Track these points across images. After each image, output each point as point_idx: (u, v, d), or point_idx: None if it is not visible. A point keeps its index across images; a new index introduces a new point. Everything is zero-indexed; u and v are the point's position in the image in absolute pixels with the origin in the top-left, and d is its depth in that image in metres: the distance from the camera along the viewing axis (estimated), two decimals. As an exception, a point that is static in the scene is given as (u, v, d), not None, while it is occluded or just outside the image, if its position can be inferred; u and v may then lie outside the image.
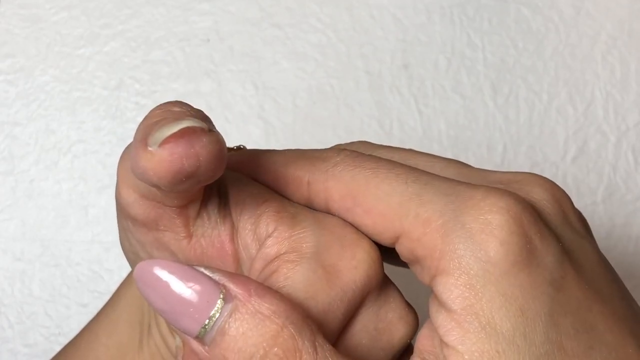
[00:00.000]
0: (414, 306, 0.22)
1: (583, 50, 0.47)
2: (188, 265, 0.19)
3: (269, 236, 0.21)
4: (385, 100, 0.46)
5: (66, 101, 0.46)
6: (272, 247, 0.21)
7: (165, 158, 0.17)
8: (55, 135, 0.45)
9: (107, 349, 0.28)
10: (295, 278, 0.20)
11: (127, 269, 0.29)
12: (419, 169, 0.21)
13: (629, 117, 0.46)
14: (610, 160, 0.46)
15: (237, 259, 0.22)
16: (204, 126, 0.18)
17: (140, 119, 0.52)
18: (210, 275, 0.19)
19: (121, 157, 0.21)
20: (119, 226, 0.23)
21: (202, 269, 0.19)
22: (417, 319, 0.22)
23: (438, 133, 0.46)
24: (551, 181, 0.21)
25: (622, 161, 0.46)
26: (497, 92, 0.46)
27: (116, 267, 0.44)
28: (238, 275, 0.19)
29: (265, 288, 0.19)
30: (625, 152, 0.46)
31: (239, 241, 0.22)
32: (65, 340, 0.43)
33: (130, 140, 0.46)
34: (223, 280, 0.19)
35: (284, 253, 0.21)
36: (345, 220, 0.22)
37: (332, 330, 0.20)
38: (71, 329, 0.44)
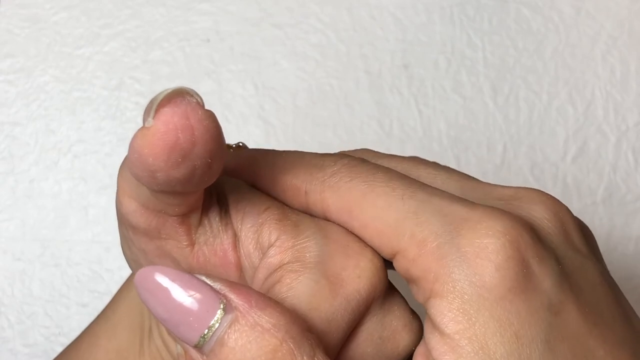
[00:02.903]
0: (418, 313, 0.22)
1: (583, 50, 0.47)
2: (189, 273, 0.19)
3: (272, 245, 0.21)
4: (385, 100, 0.46)
5: (66, 101, 0.46)
6: (275, 257, 0.21)
7: (159, 129, 0.17)
8: (55, 135, 0.45)
9: (107, 353, 0.27)
10: (298, 288, 0.20)
11: (127, 269, 0.29)
12: (417, 183, 0.21)
13: (629, 117, 0.46)
14: (610, 160, 0.46)
15: (240, 268, 0.22)
16: (200, 100, 0.18)
17: (140, 119, 0.52)
18: (212, 284, 0.19)
19: (121, 166, 0.21)
20: (120, 234, 0.23)
21: (203, 278, 0.19)
22: (421, 326, 0.22)
23: (438, 133, 0.46)
24: (553, 198, 0.21)
25: (622, 161, 0.46)
26: (497, 92, 0.46)
27: (116, 267, 0.44)
28: (240, 285, 0.19)
29: (267, 300, 0.19)
30: (625, 152, 0.46)
31: (242, 250, 0.22)
32: (65, 340, 0.43)
33: (130, 140, 0.45)
34: (224, 290, 0.18)
35: (287, 263, 0.21)
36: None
37: (336, 340, 0.20)
38: (71, 329, 0.44)
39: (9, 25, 0.46)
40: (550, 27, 0.47)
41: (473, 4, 0.47)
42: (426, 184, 0.21)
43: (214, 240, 0.22)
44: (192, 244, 0.22)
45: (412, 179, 0.21)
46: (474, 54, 0.47)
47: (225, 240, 0.22)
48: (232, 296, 0.18)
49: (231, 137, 0.48)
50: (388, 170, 0.21)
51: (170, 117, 0.17)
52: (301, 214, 0.22)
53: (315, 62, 0.46)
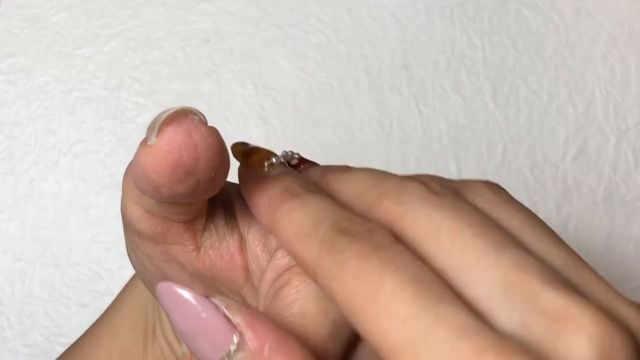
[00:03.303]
0: None
1: (583, 50, 0.47)
2: (212, 302, 0.19)
3: (279, 247, 0.21)
4: (385, 100, 0.46)
5: (66, 101, 0.46)
6: (283, 259, 0.21)
7: (163, 148, 0.17)
8: (55, 135, 0.45)
9: (109, 354, 0.27)
10: (306, 291, 0.20)
11: (127, 269, 0.29)
12: (429, 297, 0.16)
13: (629, 117, 0.46)
14: (610, 160, 0.46)
15: (246, 270, 0.22)
16: (203, 118, 0.18)
17: (140, 119, 0.52)
18: (231, 317, 0.18)
19: (125, 172, 0.21)
20: (125, 239, 0.23)
21: (224, 308, 0.19)
22: None
23: (438, 133, 0.46)
24: (606, 327, 0.15)
25: (622, 161, 0.46)
26: (497, 92, 0.46)
27: (116, 267, 0.44)
28: (260, 322, 0.18)
29: (281, 347, 0.18)
30: (625, 152, 0.46)
31: (249, 253, 0.22)
32: (65, 340, 0.43)
33: (130, 140, 0.45)
34: (241, 326, 0.18)
35: (295, 265, 0.21)
36: None
37: (344, 342, 0.20)
38: (71, 329, 0.44)
39: (9, 25, 0.46)
40: (550, 27, 0.47)
41: (473, 4, 0.47)
42: (437, 302, 0.16)
43: (220, 244, 0.22)
44: (197, 248, 0.22)
45: (424, 288, 0.16)
46: (474, 54, 0.47)
47: (232, 243, 0.22)
48: (248, 334, 0.18)
49: (231, 137, 0.48)
50: (395, 272, 0.17)
51: (174, 135, 0.17)
52: None
53: (315, 62, 0.46)
